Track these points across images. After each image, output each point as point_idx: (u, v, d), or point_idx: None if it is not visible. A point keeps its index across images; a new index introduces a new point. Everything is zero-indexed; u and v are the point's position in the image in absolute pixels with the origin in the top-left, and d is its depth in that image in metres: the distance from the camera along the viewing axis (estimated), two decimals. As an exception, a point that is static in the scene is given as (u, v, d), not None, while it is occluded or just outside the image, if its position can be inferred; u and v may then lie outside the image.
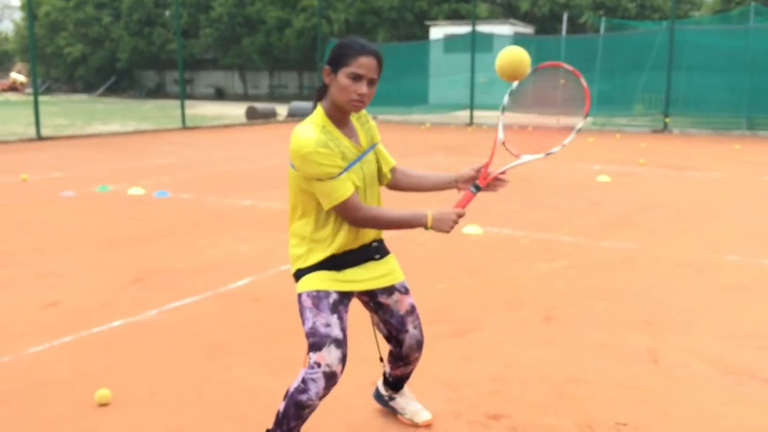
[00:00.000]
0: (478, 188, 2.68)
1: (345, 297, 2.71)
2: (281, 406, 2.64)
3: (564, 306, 4.73)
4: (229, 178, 10.52)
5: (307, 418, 2.64)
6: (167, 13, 44.82)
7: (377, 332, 3.01)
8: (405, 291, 2.87)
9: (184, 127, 19.76)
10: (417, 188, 2.91)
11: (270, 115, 23.56)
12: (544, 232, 6.89)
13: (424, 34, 31.27)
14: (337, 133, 2.62)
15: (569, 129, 2.79)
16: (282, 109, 27.24)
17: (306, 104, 25.25)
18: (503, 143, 2.84)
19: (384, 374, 3.16)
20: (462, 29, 25.64)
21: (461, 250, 6.19)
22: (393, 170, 2.91)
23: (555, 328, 4.34)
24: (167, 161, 12.57)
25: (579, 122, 2.70)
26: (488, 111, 22.75)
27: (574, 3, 31.01)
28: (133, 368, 3.76)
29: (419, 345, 2.92)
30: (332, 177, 2.54)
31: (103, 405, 3.32)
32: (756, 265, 5.71)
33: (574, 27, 30.06)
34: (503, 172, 2.75)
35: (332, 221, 2.67)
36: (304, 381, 2.56)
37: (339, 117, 2.63)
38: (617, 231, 6.95)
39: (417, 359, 2.99)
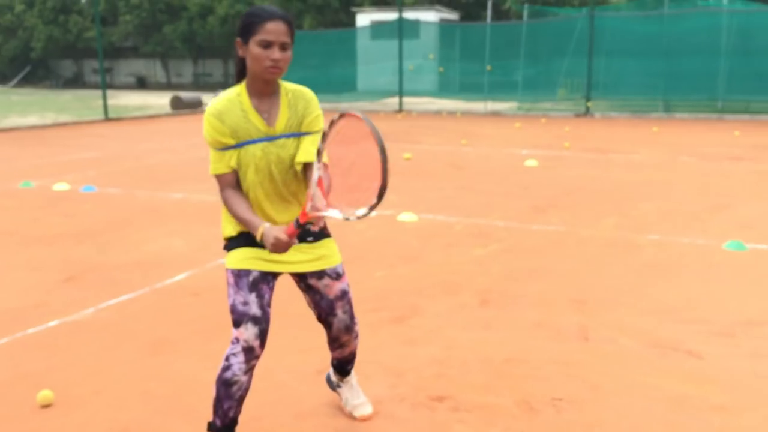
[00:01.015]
0: (297, 223, 2.46)
1: (269, 274, 2.73)
2: (213, 391, 2.71)
3: (499, 289, 4.90)
4: (158, 171, 10.35)
5: (238, 397, 2.68)
6: (83, 0, 43.35)
7: None
8: (336, 277, 2.85)
9: (107, 119, 19.25)
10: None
11: (196, 105, 23.17)
12: (477, 217, 7.08)
13: (351, 21, 31.22)
14: (247, 105, 2.61)
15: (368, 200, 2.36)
16: (208, 98, 26.78)
17: (233, 93, 24.90)
18: (319, 183, 2.45)
19: (331, 361, 3.22)
20: (388, 16, 25.73)
21: (398, 238, 6.31)
22: (306, 166, 2.70)
23: (492, 310, 4.50)
24: (92, 155, 12.25)
25: (373, 200, 2.32)
26: (417, 97, 22.98)
27: (497, -11, 31.52)
28: (74, 368, 3.72)
29: (348, 329, 2.95)
30: (215, 148, 2.62)
31: (46, 406, 3.28)
32: (676, 243, 6.02)
33: (498, 13, 30.52)
34: (318, 216, 2.47)
35: (249, 193, 2.69)
36: (227, 358, 2.65)
37: (259, 88, 2.62)
38: (546, 214, 7.19)
39: (348, 342, 3.01)
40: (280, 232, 2.47)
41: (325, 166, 2.51)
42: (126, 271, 5.42)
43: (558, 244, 6.08)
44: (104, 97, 19.76)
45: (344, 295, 2.89)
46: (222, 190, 2.65)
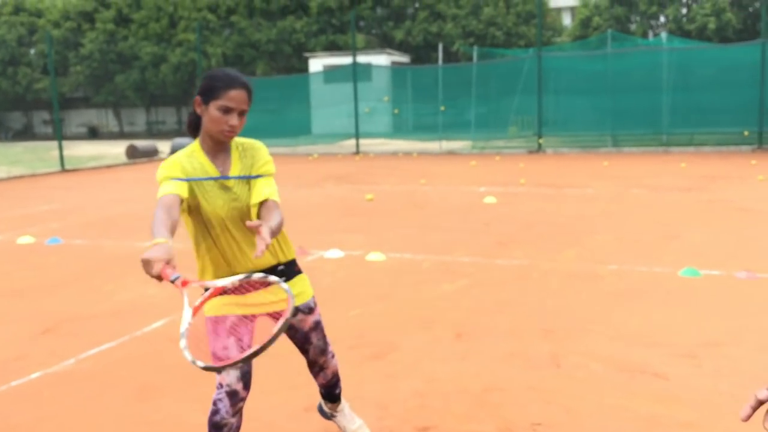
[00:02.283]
0: (179, 281, 2.33)
1: (246, 318, 2.83)
2: None
3: (471, 322, 5.09)
4: (122, 221, 10.35)
5: None
6: (32, 51, 43.02)
7: None
8: (309, 311, 2.99)
9: (63, 170, 19.09)
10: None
11: (152, 153, 23.12)
12: (443, 254, 7.28)
13: (303, 66, 31.63)
14: (203, 159, 2.73)
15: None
16: (164, 146, 26.73)
17: (190, 140, 24.86)
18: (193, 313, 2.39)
19: (320, 391, 3.35)
20: (341, 60, 26.19)
21: (368, 277, 6.47)
22: (263, 204, 2.74)
23: (466, 343, 4.67)
24: (52, 206, 12.18)
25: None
26: (372, 139, 23.32)
27: (445, 32, 32.31)
28: (63, 418, 3.76)
29: (323, 351, 3.11)
30: (163, 179, 2.63)
31: (41, 456, 3.33)
32: (633, 271, 6.30)
33: (448, 55, 31.29)
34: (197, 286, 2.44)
35: (203, 246, 2.78)
36: (214, 402, 2.77)
37: (212, 145, 2.74)
38: (509, 249, 7.44)
39: (326, 362, 3.16)
40: (161, 261, 2.28)
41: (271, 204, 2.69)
42: (102, 320, 5.46)
43: (523, 277, 6.31)
44: (60, 148, 19.61)
45: (317, 325, 3.06)
46: (156, 206, 2.53)
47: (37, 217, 10.89)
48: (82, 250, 8.25)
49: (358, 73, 22.03)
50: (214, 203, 2.71)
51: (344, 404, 3.38)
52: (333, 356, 3.20)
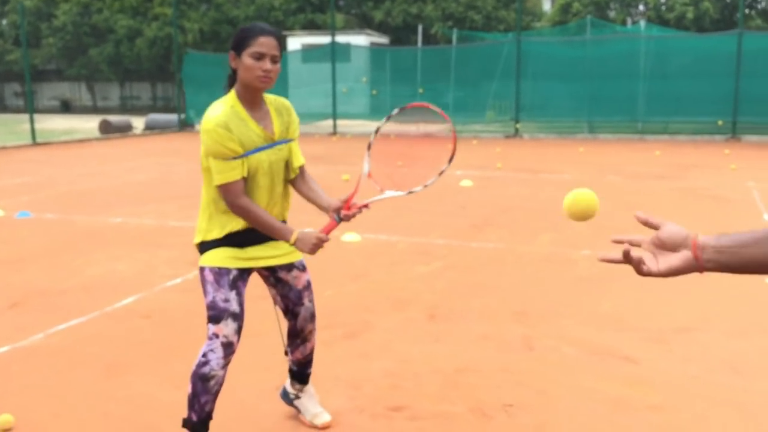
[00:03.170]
0: (340, 218, 2.78)
1: (245, 273, 2.92)
2: (189, 387, 2.83)
3: (445, 304, 5.09)
4: (94, 196, 10.20)
5: (215, 391, 2.83)
6: (4, 22, 42.15)
7: (281, 324, 3.20)
8: (303, 269, 3.10)
9: (35, 144, 18.77)
10: (305, 197, 3.04)
11: (126, 129, 22.81)
12: (418, 236, 7.28)
13: (282, 45, 31.32)
14: (244, 114, 2.79)
15: (435, 168, 2.90)
16: (138, 122, 26.39)
17: (165, 116, 24.61)
18: (369, 175, 2.94)
19: (290, 369, 3.33)
20: (319, 39, 25.97)
21: (343, 258, 6.44)
22: (300, 169, 3.04)
23: (440, 324, 4.68)
24: (23, 180, 11.97)
25: (444, 165, 2.86)
26: (350, 120, 23.20)
27: (425, 14, 32.19)
28: (31, 392, 3.71)
29: (312, 317, 3.17)
30: (225, 158, 2.72)
31: (7, 430, 3.28)
32: (607, 257, 6.34)
33: (427, 38, 31.18)
34: (366, 205, 2.82)
35: (222, 204, 2.85)
36: (204, 354, 2.79)
37: (250, 98, 2.81)
38: (484, 232, 7.46)
39: (311, 333, 3.21)
40: (318, 233, 2.72)
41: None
42: (72, 295, 5.38)
43: (497, 260, 6.33)
44: (31, 121, 19.26)
45: (309, 285, 3.14)
46: (237, 198, 2.75)
47: (6, 191, 10.69)
48: (53, 224, 8.12)
49: (336, 53, 21.86)
50: (258, 157, 2.80)
51: (311, 385, 3.37)
52: (315, 331, 3.23)
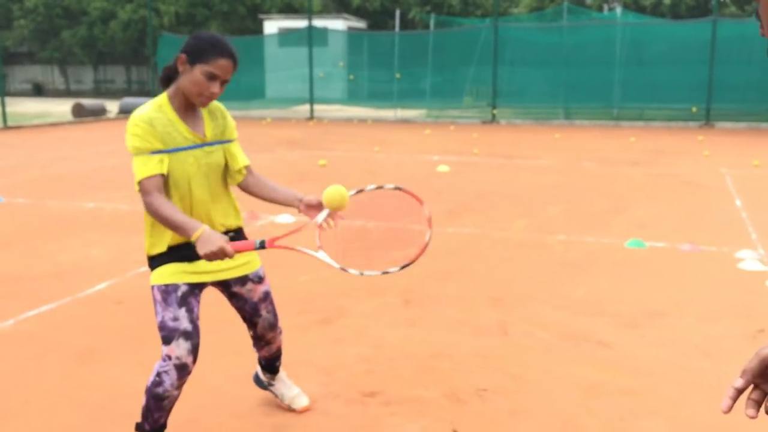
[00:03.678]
0: (262, 246, 2.60)
1: (196, 287, 2.79)
2: (143, 400, 2.76)
3: (420, 289, 5.09)
4: (67, 181, 10.06)
5: (168, 408, 2.76)
6: (-27, 2, 41.28)
7: None
8: (258, 280, 2.97)
9: (6, 127, 18.46)
10: (264, 198, 2.92)
11: (99, 113, 22.50)
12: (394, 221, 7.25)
13: (258, 28, 31.04)
14: (173, 115, 2.67)
15: (386, 263, 2.72)
16: (112, 106, 26.05)
17: (140, 100, 24.31)
18: (319, 227, 2.77)
19: (259, 361, 3.31)
20: (296, 23, 25.78)
21: (318, 243, 6.41)
22: (247, 171, 2.90)
23: (415, 310, 4.68)
24: (-7, 164, 11.78)
25: (394, 268, 2.69)
26: (327, 105, 23.09)
27: (403, -1, 32.08)
28: (0, 379, 3.65)
29: (272, 326, 3.07)
30: (141, 153, 2.59)
31: (-25, 419, 3.23)
32: (581, 242, 6.39)
33: (404, 22, 31.04)
34: (292, 249, 2.70)
35: (180, 200, 2.73)
36: (158, 374, 2.69)
37: (184, 105, 2.69)
38: (460, 218, 7.47)
39: (274, 338, 3.12)
40: (225, 243, 2.52)
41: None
42: (44, 281, 5.31)
43: (473, 245, 6.35)
44: (2, 104, 18.92)
45: (267, 296, 3.01)
46: (149, 194, 2.57)
47: (-24, 175, 10.51)
48: (24, 209, 8.00)
49: (313, 38, 21.71)
50: (185, 161, 2.68)
51: (282, 372, 3.35)
52: (280, 332, 3.16)
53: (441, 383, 3.59)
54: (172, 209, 2.58)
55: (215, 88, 2.62)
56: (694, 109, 18.39)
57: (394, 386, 3.56)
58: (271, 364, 3.27)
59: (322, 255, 2.67)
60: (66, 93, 41.86)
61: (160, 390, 2.68)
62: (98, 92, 41.26)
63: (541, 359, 3.89)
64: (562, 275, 5.44)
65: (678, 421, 3.22)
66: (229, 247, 2.53)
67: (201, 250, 2.51)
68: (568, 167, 11.12)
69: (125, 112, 23.19)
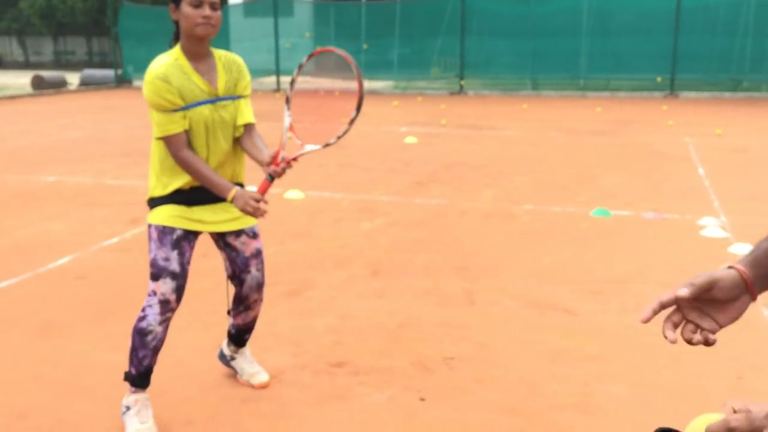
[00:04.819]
0: (272, 177, 2.68)
1: (192, 234, 2.87)
2: (129, 341, 2.84)
3: (388, 260, 5.09)
4: (26, 154, 9.84)
5: (152, 347, 2.81)
6: (-74, -29, 39.92)
7: (228, 285, 3.14)
8: (253, 236, 3.02)
9: (-38, 100, 17.98)
10: (246, 152, 2.93)
11: (60, 85, 21.99)
12: (362, 193, 7.24)
13: (222, -2, 30.50)
14: (188, 67, 2.73)
15: (347, 115, 2.78)
16: (72, 78, 25.47)
17: (101, 72, 23.82)
18: (290, 128, 2.83)
19: (228, 331, 3.28)
20: (262, -7, 25.34)
21: (286, 215, 6.37)
22: (246, 127, 2.90)
23: (383, 280, 4.68)
24: (-51, 138, 11.46)
25: (353, 113, 2.74)
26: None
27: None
28: (-41, 357, 3.58)
29: (259, 286, 3.08)
30: (164, 110, 2.68)
31: (-67, 397, 3.16)
32: (548, 212, 6.43)
33: (371, -8, 30.75)
34: (294, 159, 2.74)
35: (170, 160, 2.80)
36: (143, 309, 2.80)
37: (195, 50, 2.75)
38: (428, 188, 7.46)
39: (256, 302, 3.13)
40: (255, 194, 2.65)
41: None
42: (3, 256, 5.19)
43: (441, 216, 6.35)
44: (-43, 77, 18.41)
45: (259, 253, 3.06)
46: (178, 150, 2.71)
47: (-68, 149, 10.23)
48: (-18, 184, 7.81)
49: (279, 8, 21.40)
50: (202, 113, 2.74)
51: (247, 347, 3.33)
52: (261, 301, 3.16)
53: (409, 353, 3.60)
54: (206, 168, 2.73)
55: (205, 11, 2.66)
56: (659, 79, 18.53)
57: (362, 356, 3.56)
58: (240, 336, 3.25)
59: (309, 147, 2.76)
60: (25, 65, 40.86)
61: (144, 324, 2.78)
62: (59, 64, 40.33)
63: (508, 327, 3.92)
64: (528, 244, 5.48)
65: (641, 385, 3.27)
66: (258, 195, 2.64)
67: (239, 206, 2.67)
68: (535, 138, 11.16)
69: (86, 84, 22.71)
